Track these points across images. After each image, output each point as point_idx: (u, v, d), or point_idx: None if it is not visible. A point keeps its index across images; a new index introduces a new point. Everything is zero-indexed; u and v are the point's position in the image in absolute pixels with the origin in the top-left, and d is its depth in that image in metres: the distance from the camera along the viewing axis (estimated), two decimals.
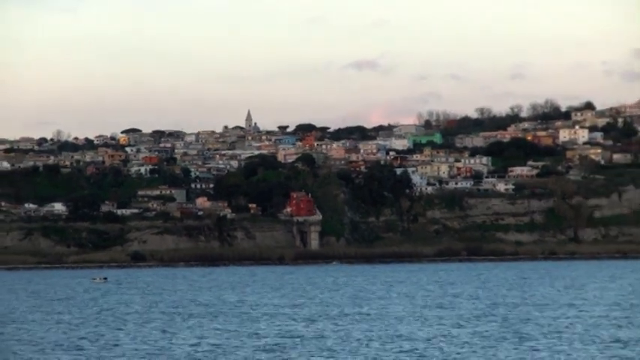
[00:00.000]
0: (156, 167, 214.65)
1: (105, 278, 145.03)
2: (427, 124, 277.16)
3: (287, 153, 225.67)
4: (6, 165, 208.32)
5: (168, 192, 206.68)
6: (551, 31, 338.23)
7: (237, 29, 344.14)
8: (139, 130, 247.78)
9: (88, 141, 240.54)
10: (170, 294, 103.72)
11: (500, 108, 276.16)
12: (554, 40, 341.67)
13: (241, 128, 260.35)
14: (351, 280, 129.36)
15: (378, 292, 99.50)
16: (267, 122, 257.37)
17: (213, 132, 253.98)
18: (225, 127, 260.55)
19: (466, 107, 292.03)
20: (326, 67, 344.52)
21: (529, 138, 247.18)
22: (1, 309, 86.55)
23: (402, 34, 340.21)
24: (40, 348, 54.86)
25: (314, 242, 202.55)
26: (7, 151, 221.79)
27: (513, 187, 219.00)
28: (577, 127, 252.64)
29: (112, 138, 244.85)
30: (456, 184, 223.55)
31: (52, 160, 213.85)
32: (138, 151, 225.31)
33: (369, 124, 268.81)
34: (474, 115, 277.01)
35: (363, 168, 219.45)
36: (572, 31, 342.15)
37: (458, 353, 48.32)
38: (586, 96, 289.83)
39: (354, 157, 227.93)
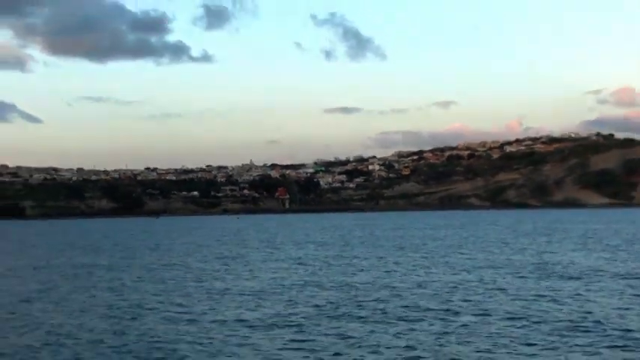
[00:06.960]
0: (229, 179, 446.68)
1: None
2: (315, 164, 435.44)
3: (273, 174, 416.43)
4: (174, 178, 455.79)
5: (234, 188, 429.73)
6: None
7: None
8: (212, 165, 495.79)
9: (196, 169, 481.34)
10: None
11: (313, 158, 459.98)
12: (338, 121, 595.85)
13: (246, 164, 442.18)
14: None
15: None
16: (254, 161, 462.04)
17: (238, 165, 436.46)
18: (242, 164, 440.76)
19: (310, 157, 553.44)
20: (256, 142, 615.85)
21: (359, 168, 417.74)
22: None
23: (286, 123, 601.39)
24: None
25: (287, 206, 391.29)
26: (202, 171, 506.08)
27: (356, 186, 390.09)
28: (374, 164, 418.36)
29: (206, 167, 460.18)
30: (333, 185, 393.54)
31: (191, 175, 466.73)
32: (219, 173, 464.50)
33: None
34: (331, 159, 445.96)
35: (302, 179, 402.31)
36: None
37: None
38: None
39: (297, 175, 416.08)
